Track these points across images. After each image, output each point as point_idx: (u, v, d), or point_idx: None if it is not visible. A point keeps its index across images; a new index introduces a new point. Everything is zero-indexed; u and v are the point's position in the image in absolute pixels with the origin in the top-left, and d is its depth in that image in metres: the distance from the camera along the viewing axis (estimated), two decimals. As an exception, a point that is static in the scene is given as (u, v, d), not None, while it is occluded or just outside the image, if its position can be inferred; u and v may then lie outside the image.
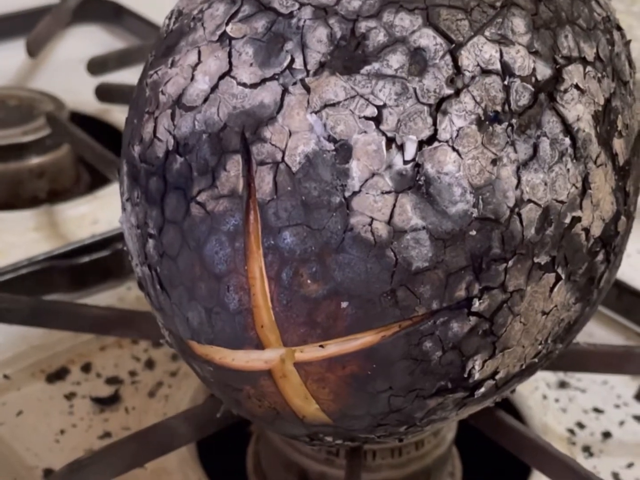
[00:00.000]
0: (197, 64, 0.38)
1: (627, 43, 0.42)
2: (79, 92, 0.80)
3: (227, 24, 0.38)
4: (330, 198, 0.35)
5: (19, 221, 0.70)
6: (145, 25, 0.92)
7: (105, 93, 0.76)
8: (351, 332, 0.36)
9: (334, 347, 0.37)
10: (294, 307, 0.36)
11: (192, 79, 0.38)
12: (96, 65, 0.79)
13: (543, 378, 0.59)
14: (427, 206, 0.35)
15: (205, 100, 0.37)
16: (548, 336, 0.40)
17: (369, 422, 0.39)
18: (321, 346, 0.37)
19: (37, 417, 0.55)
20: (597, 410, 0.58)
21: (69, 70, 0.85)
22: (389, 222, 0.35)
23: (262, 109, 0.36)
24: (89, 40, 0.93)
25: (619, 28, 0.42)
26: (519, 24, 0.37)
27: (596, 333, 0.63)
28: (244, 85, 0.37)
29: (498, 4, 0.37)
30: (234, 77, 0.37)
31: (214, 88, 0.37)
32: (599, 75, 0.39)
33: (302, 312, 0.36)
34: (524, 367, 0.40)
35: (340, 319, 0.36)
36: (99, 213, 0.70)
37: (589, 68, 0.39)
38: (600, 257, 0.40)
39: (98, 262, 0.63)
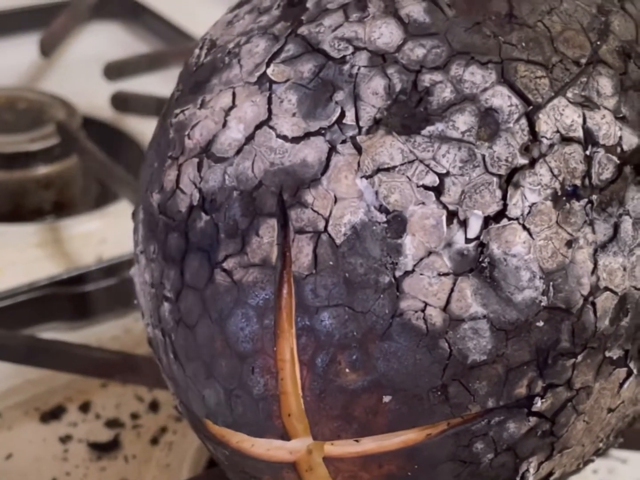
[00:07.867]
0: (231, 108, 0.33)
1: None
2: (93, 96, 0.75)
3: (267, 65, 0.33)
4: (379, 277, 0.30)
5: (21, 235, 0.65)
6: (165, 25, 0.87)
7: (122, 102, 0.71)
8: (392, 430, 0.31)
9: (371, 444, 0.32)
10: (328, 398, 0.31)
11: (225, 125, 0.33)
12: (113, 70, 0.74)
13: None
14: (489, 292, 0.31)
15: (239, 151, 0.32)
16: (610, 433, 0.36)
17: (405, 524, 0.34)
18: (356, 440, 0.32)
19: (27, 461, 0.50)
20: (637, 485, 0.53)
21: (84, 71, 0.80)
22: (445, 308, 0.30)
23: (304, 169, 0.31)
24: (107, 39, 0.87)
25: None
26: (605, 84, 0.32)
27: None
28: (285, 138, 0.32)
29: (583, 60, 0.32)
30: (273, 128, 0.32)
31: (249, 138, 0.32)
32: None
33: (337, 404, 0.31)
34: (581, 466, 0.36)
35: (380, 414, 0.31)
36: (107, 232, 0.65)
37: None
38: (675, 347, 0.35)
39: (104, 290, 0.58)
